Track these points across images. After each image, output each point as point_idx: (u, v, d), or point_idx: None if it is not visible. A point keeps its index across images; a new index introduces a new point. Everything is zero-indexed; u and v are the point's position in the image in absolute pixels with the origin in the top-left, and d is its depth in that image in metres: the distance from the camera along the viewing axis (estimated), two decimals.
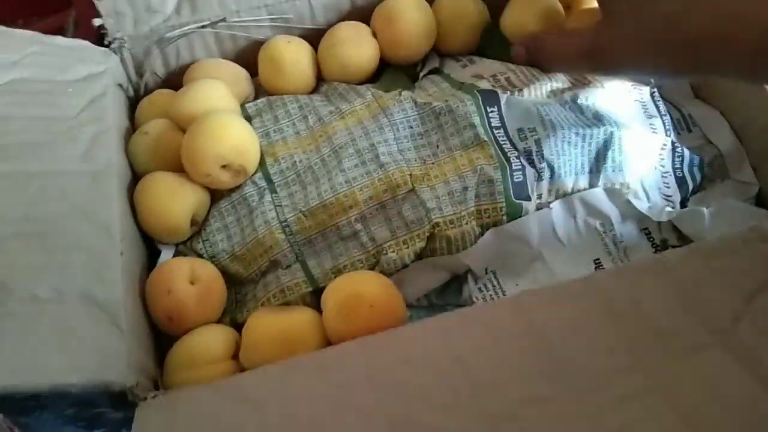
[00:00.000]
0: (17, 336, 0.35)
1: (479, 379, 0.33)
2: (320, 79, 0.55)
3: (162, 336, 0.43)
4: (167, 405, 0.34)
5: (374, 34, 0.54)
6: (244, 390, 0.34)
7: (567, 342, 0.34)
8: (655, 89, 0.51)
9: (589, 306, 0.36)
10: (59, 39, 0.49)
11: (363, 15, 0.55)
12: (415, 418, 0.31)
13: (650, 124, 0.50)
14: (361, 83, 0.54)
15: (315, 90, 0.55)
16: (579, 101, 0.48)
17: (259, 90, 0.55)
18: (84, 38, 0.52)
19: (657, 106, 0.50)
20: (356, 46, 0.53)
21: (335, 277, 0.43)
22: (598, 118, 0.47)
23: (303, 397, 0.33)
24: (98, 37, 0.53)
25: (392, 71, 0.55)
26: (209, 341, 0.40)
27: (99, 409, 0.51)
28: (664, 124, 0.50)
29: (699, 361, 0.33)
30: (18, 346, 0.34)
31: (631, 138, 0.47)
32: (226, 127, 0.45)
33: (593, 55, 0.43)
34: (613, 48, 0.42)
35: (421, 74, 0.54)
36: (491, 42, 0.55)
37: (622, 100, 0.50)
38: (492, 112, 0.46)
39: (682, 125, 0.52)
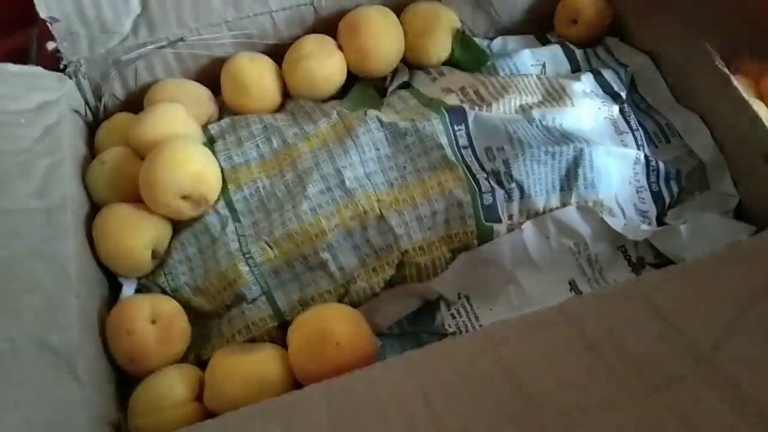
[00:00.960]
0: None
1: (446, 425, 0.32)
2: (286, 95, 0.53)
3: (124, 376, 0.41)
4: None
5: (340, 47, 0.53)
6: None
7: (537, 378, 0.33)
8: (625, 105, 0.50)
9: (562, 337, 0.35)
10: (11, 66, 0.47)
11: (328, 28, 0.54)
12: None
13: (621, 140, 0.49)
14: (329, 98, 0.53)
15: (281, 107, 0.53)
16: (546, 121, 0.47)
17: (223, 108, 0.53)
18: (46, 58, 0.50)
19: (627, 122, 0.49)
20: (322, 59, 0.52)
21: (303, 310, 0.42)
22: (566, 136, 0.46)
23: None
24: (57, 59, 0.51)
25: (360, 86, 0.54)
26: (172, 383, 0.39)
27: None
28: (636, 139, 0.49)
29: (676, 394, 0.32)
30: None
31: (602, 154, 0.46)
32: (184, 156, 0.43)
33: None
34: None
35: (390, 89, 0.52)
36: (464, 50, 0.54)
37: (590, 117, 0.48)
38: (459, 130, 0.45)
39: (659, 137, 0.51)
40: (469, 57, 0.54)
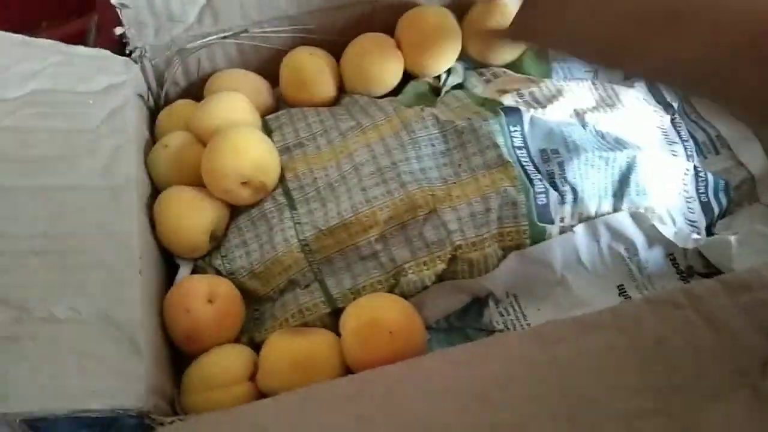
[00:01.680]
0: (35, 358, 0.35)
1: (500, 418, 0.32)
2: (342, 90, 0.54)
3: (178, 353, 0.43)
4: (185, 431, 0.34)
5: (398, 45, 0.53)
6: (262, 420, 0.34)
7: (591, 379, 0.34)
8: (677, 115, 0.50)
9: (615, 341, 0.35)
10: (80, 48, 0.49)
11: (387, 27, 0.55)
12: None
13: (671, 150, 0.49)
14: (384, 96, 0.54)
15: (336, 102, 0.54)
16: (600, 126, 0.47)
17: (280, 101, 0.55)
18: (105, 44, 0.51)
19: (678, 132, 0.50)
20: (379, 58, 0.52)
21: (354, 298, 0.43)
22: (619, 142, 0.47)
23: (321, 430, 0.33)
24: (119, 45, 0.52)
25: (415, 84, 0.54)
26: (227, 362, 0.40)
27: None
28: (685, 149, 0.49)
29: (725, 407, 0.32)
30: (35, 369, 0.34)
31: (653, 163, 0.46)
32: (246, 144, 0.45)
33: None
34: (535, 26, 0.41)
35: (444, 89, 0.53)
36: (534, 61, 0.54)
37: (642, 125, 0.49)
38: (515, 131, 0.46)
39: (708, 147, 0.51)
40: (535, 68, 0.54)
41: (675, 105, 0.52)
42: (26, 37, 0.47)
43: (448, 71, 0.55)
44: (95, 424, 0.44)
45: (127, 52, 0.52)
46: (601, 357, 0.34)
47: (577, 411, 0.32)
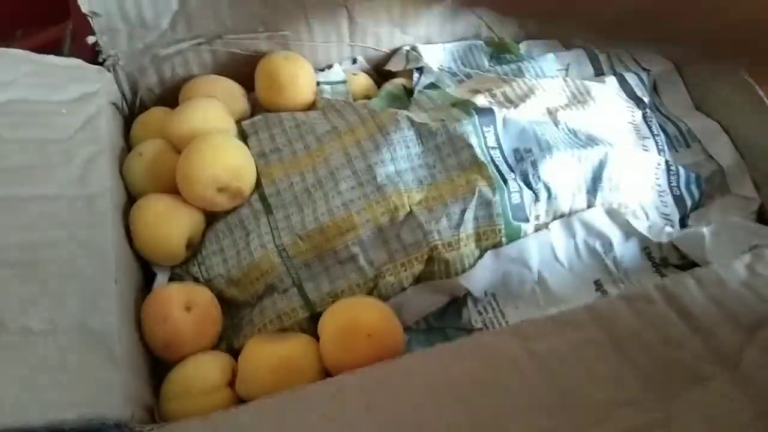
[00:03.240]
0: (10, 370, 0.34)
1: (479, 415, 0.32)
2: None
3: (156, 362, 0.42)
4: None
5: None
6: (241, 425, 0.34)
7: (569, 372, 0.34)
8: (647, 110, 0.51)
9: (591, 336, 0.35)
10: (52, 58, 0.48)
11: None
12: None
13: (643, 145, 0.49)
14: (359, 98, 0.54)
15: (312, 105, 0.54)
16: (572, 123, 0.48)
17: (256, 106, 0.55)
18: (81, 52, 0.51)
19: (649, 127, 0.50)
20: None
21: (332, 302, 0.43)
22: (591, 139, 0.47)
23: None
24: (94, 53, 0.52)
25: (389, 85, 0.55)
26: (206, 369, 0.40)
27: None
28: (657, 143, 0.50)
29: (703, 393, 0.32)
30: (11, 380, 0.34)
31: (625, 158, 0.46)
32: (221, 150, 0.45)
33: None
34: None
35: (417, 89, 0.53)
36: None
37: (614, 121, 0.49)
38: (488, 131, 0.46)
39: (680, 141, 0.52)
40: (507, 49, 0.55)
41: (646, 100, 0.53)
42: None
43: (420, 70, 0.55)
44: None
45: (100, 60, 0.52)
46: (578, 351, 0.34)
47: (556, 404, 0.33)
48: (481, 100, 0.49)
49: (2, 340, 0.35)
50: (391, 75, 0.58)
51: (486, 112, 0.47)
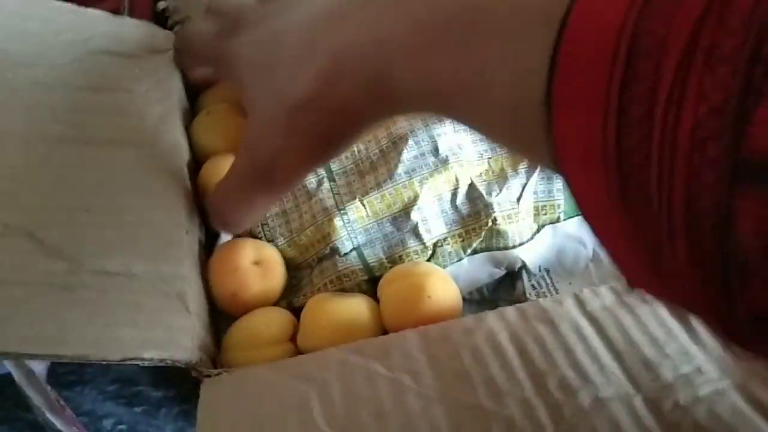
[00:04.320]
0: (89, 307, 0.36)
1: (542, 371, 0.33)
2: None
3: (217, 315, 0.44)
4: (232, 382, 0.35)
5: None
6: (308, 370, 0.35)
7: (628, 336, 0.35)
8: None
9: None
10: (128, 20, 0.50)
11: None
12: (480, 405, 0.32)
13: None
14: None
15: None
16: None
17: None
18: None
19: None
20: None
21: (390, 267, 0.44)
22: None
23: (365, 379, 0.34)
24: (155, 21, 0.53)
25: None
26: (269, 322, 0.41)
27: (139, 387, 0.53)
28: None
29: None
30: (89, 317, 0.35)
31: None
32: None
33: None
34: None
35: None
36: None
37: None
38: None
39: None
40: None
41: None
42: (75, 6, 0.49)
43: None
44: (118, 380, 0.46)
45: (169, 25, 0.53)
46: (637, 318, 0.35)
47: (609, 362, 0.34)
48: None
49: (81, 278, 0.37)
50: None
51: None
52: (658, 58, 0.18)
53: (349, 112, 0.31)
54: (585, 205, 0.22)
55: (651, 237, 0.20)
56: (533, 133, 0.22)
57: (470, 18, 0.25)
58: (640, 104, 0.19)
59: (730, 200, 0.17)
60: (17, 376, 0.42)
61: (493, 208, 0.44)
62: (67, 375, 0.51)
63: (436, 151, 0.45)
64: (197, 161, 0.48)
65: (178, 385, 0.52)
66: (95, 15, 0.49)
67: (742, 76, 0.17)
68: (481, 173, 0.45)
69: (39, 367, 0.44)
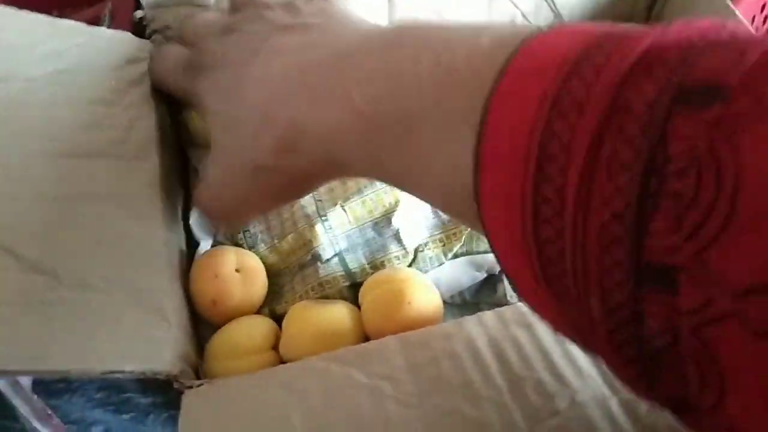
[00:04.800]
0: (69, 322, 0.36)
1: (521, 376, 0.33)
2: None
3: (200, 323, 0.44)
4: (213, 393, 0.35)
5: None
6: (288, 379, 0.35)
7: None
8: None
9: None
10: (104, 30, 0.50)
11: None
12: (458, 410, 0.32)
13: None
14: None
15: None
16: None
17: None
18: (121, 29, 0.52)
19: None
20: None
21: (372, 272, 0.44)
22: None
23: (346, 388, 0.34)
24: (135, 31, 0.53)
25: None
26: (251, 332, 0.41)
27: (127, 393, 0.53)
28: None
29: None
30: (69, 332, 0.35)
31: None
32: None
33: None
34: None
35: None
36: None
37: None
38: None
39: None
40: None
41: None
42: (51, 18, 0.48)
43: None
44: (105, 388, 0.46)
45: (147, 34, 0.53)
46: None
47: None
48: None
49: (60, 293, 0.37)
50: None
51: None
52: (563, 161, 0.19)
53: (307, 174, 0.33)
54: (518, 286, 0.23)
55: (575, 320, 0.21)
56: (470, 219, 0.24)
57: (402, 109, 0.26)
58: (551, 204, 0.19)
59: (638, 299, 0.18)
60: (3, 386, 0.42)
61: None
62: (55, 383, 0.51)
63: None
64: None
65: (166, 391, 0.52)
66: (71, 26, 0.49)
67: (638, 186, 0.17)
68: None
69: (24, 377, 0.44)
